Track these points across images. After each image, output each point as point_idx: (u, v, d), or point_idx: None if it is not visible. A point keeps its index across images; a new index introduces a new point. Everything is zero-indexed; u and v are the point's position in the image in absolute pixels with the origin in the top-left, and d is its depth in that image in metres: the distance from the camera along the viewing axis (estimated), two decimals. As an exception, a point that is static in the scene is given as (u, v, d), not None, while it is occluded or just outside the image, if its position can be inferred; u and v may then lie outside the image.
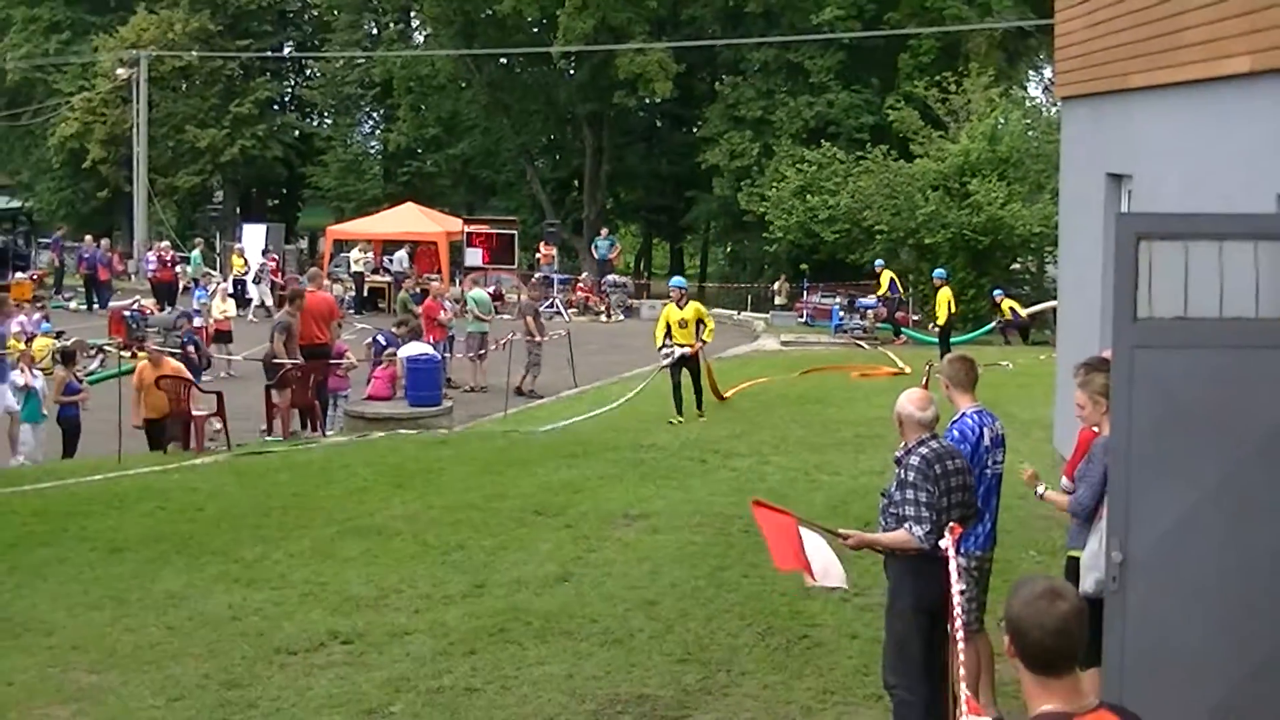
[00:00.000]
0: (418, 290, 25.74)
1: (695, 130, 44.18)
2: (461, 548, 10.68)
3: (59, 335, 23.66)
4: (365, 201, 45.67)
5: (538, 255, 37.08)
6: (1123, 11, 10.38)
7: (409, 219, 36.73)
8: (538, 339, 22.24)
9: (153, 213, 43.19)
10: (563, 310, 32.82)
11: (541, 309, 26.26)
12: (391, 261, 34.66)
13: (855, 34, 38.27)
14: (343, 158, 48.32)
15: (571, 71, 45.20)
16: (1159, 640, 5.66)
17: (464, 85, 47.03)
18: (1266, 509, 5.63)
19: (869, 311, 29.78)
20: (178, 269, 34.10)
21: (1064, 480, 6.98)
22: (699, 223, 48.24)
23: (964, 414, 7.11)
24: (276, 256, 36.11)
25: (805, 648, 8.27)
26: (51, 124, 45.71)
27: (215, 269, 36.64)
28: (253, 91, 46.53)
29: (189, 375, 17.23)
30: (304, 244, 48.74)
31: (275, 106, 50.34)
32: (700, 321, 17.76)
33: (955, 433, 7.00)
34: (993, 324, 29.25)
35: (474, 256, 34.46)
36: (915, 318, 31.03)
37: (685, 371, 17.56)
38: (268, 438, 16.78)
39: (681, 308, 17.83)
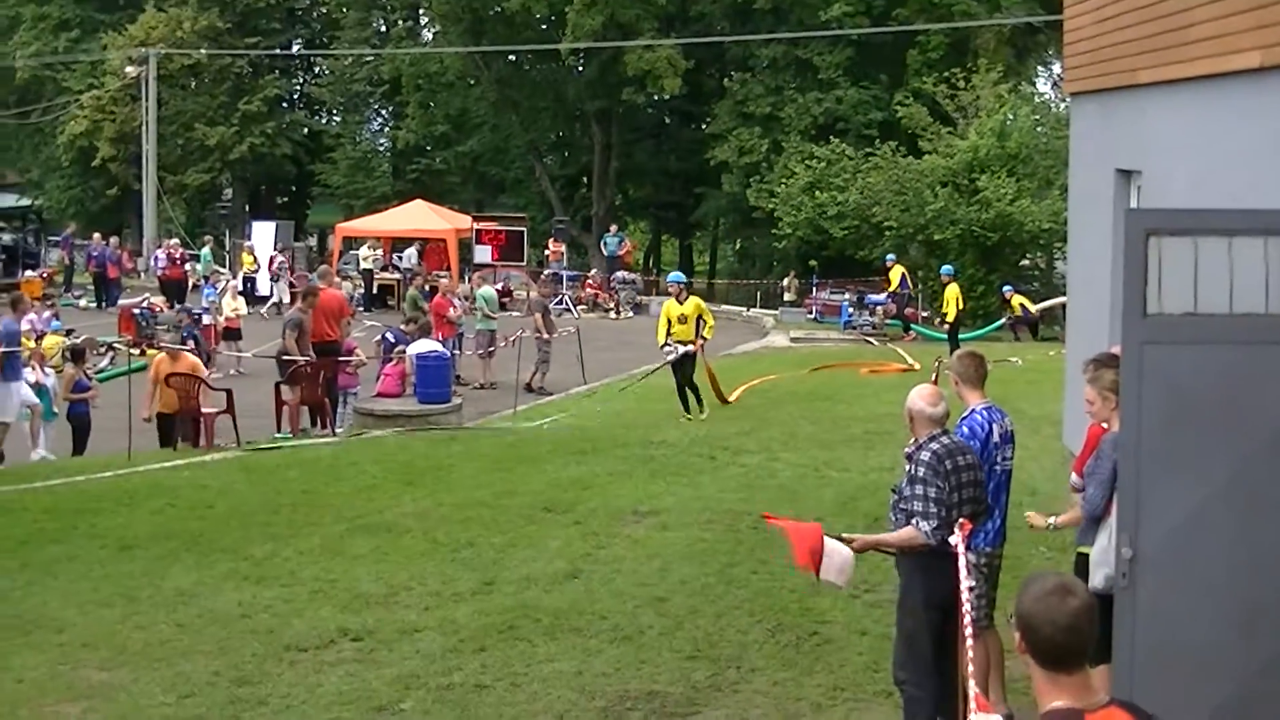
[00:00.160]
0: (427, 287, 25.76)
1: (704, 127, 44.10)
2: (471, 545, 10.68)
3: (69, 333, 23.66)
4: (374, 199, 45.64)
5: (547, 252, 37.12)
6: (1131, 7, 10.36)
7: (418, 216, 36.72)
8: (547, 336, 22.25)
9: (162, 210, 43.25)
10: (572, 307, 32.84)
11: (551, 305, 26.26)
12: (401, 259, 34.63)
13: (864, 30, 38.21)
14: (352, 155, 48.27)
15: (580, 68, 45.22)
16: (1169, 636, 5.65)
17: (473, 82, 47.00)
18: (1276, 505, 5.61)
19: (878, 308, 29.77)
20: (187, 266, 34.11)
21: (1073, 476, 6.97)
22: (708, 219, 48.22)
23: (973, 410, 7.11)
24: (288, 254, 36.14)
25: (815, 644, 8.27)
26: (61, 122, 45.71)
27: (225, 266, 36.68)
28: (261, 89, 46.51)
29: (204, 372, 17.27)
30: (313, 241, 48.72)
31: (284, 104, 50.30)
32: (700, 318, 17.72)
33: (965, 429, 7.00)
34: (1002, 320, 29.21)
35: (483, 254, 34.44)
36: (925, 314, 31.01)
37: (686, 369, 17.54)
38: (277, 434, 16.81)
39: (681, 303, 17.78)
